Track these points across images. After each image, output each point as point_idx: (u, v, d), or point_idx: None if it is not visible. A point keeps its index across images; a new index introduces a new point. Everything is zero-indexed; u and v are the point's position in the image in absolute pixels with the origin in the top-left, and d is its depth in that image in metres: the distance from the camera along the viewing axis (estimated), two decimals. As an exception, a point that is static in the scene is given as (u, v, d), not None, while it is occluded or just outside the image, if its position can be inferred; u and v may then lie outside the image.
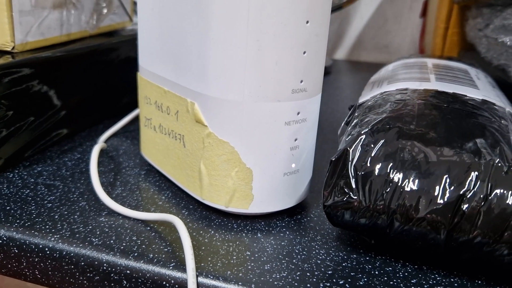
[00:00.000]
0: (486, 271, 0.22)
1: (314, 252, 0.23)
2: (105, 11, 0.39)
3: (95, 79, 0.37)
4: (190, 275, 0.20)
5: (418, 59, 0.36)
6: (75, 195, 0.27)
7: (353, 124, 0.24)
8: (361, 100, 0.28)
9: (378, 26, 0.74)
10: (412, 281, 0.21)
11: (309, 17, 0.22)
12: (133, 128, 0.38)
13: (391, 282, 0.21)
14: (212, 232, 0.24)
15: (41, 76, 0.31)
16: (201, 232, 0.24)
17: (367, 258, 0.22)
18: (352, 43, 0.77)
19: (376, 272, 0.21)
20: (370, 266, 0.22)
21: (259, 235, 0.24)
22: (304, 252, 0.23)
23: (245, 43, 0.21)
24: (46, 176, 0.29)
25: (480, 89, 0.28)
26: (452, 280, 0.21)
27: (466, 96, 0.26)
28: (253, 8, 0.21)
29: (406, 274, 0.21)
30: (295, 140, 0.24)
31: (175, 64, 0.25)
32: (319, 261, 0.22)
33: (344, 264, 0.22)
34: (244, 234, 0.24)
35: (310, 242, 0.23)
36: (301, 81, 0.23)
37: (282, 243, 0.23)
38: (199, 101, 0.24)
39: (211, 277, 0.21)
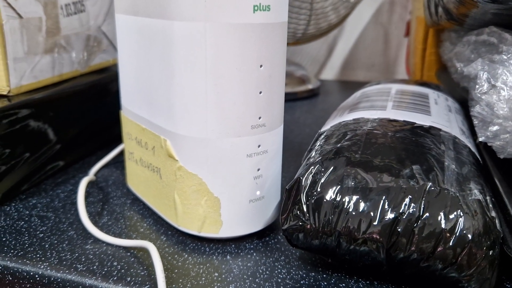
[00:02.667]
0: (430, 285, 0.24)
1: (276, 272, 0.25)
2: (94, 50, 0.42)
3: (87, 113, 0.40)
4: (161, 296, 0.23)
5: (385, 85, 0.39)
6: (65, 225, 0.29)
7: (312, 152, 0.27)
8: (323, 129, 0.31)
9: (365, 46, 0.77)
10: (361, 295, 0.23)
11: (262, 61, 0.25)
12: (122, 159, 0.40)
13: (342, 297, 0.23)
14: (186, 255, 0.26)
15: (35, 115, 0.34)
16: (175, 256, 0.26)
17: (324, 275, 0.25)
18: (340, 64, 0.79)
19: (330, 288, 0.24)
20: (325, 283, 0.24)
21: (228, 257, 0.26)
22: (267, 272, 0.25)
23: (204, 87, 0.24)
24: (40, 208, 0.32)
25: (432, 115, 0.30)
26: (398, 293, 0.23)
27: (415, 123, 0.28)
28: (210, 56, 0.24)
29: (357, 289, 0.24)
30: (258, 170, 0.27)
31: (149, 105, 0.28)
32: (279, 280, 0.24)
33: (302, 282, 0.24)
34: (214, 257, 0.26)
35: (274, 263, 0.26)
36: (260, 118, 0.26)
37: (248, 264, 0.26)
38: (170, 138, 0.26)
39: (180, 297, 0.23)
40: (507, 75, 0.21)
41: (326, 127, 0.30)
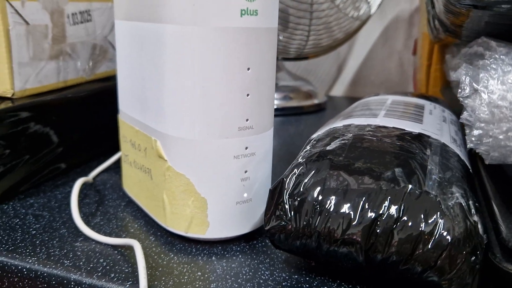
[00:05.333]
0: (413, 290, 0.24)
1: (259, 273, 0.25)
2: (100, 58, 0.43)
3: (91, 119, 0.41)
4: (142, 292, 0.23)
5: (383, 96, 0.39)
6: (58, 224, 0.30)
7: (299, 156, 0.27)
8: (315, 135, 0.31)
9: (374, 64, 0.77)
10: (342, 298, 0.23)
11: (249, 65, 0.25)
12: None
13: (322, 299, 0.23)
14: (172, 255, 0.27)
15: (37, 118, 0.35)
16: (161, 255, 0.27)
17: (307, 278, 0.25)
18: (349, 80, 0.80)
19: (311, 290, 0.24)
20: (307, 285, 0.24)
21: (213, 258, 0.27)
22: (250, 273, 0.25)
23: (192, 89, 0.25)
24: (36, 207, 0.32)
25: (423, 123, 0.30)
26: (380, 297, 0.23)
27: (404, 130, 0.28)
28: (197, 59, 0.24)
29: (338, 292, 0.24)
30: (245, 172, 0.27)
31: (142, 107, 0.28)
32: (261, 281, 0.24)
33: (283, 284, 0.24)
34: (200, 257, 0.27)
35: (258, 264, 0.26)
36: (247, 120, 0.26)
37: (232, 265, 0.26)
38: (160, 138, 0.27)
39: (161, 293, 0.23)
40: (488, 79, 0.21)
41: (318, 132, 0.31)
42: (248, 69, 0.25)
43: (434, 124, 0.31)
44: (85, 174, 0.39)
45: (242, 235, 0.28)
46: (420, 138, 0.27)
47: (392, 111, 0.33)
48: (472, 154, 0.31)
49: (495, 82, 0.21)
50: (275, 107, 0.63)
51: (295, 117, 0.62)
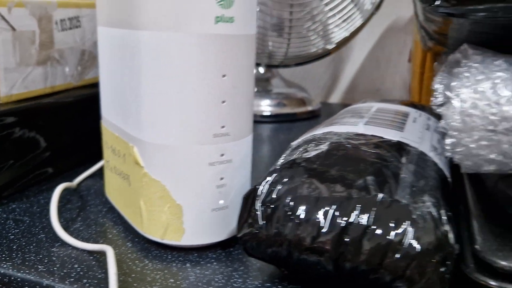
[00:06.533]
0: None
1: (231, 281, 0.25)
2: (89, 64, 0.43)
3: (78, 125, 0.41)
4: (112, 298, 0.23)
5: (369, 104, 0.39)
6: (37, 229, 0.30)
7: (276, 163, 0.27)
8: (294, 142, 0.31)
9: (370, 71, 0.77)
10: (313, 307, 0.23)
11: (225, 71, 0.25)
12: (110, 169, 0.41)
13: (293, 308, 0.23)
14: (147, 262, 0.27)
15: (22, 123, 0.35)
16: (136, 261, 0.27)
17: (279, 287, 0.25)
18: (345, 87, 0.80)
19: (283, 299, 0.24)
20: (279, 294, 0.24)
21: (188, 265, 0.26)
22: (223, 280, 0.25)
23: (167, 95, 0.25)
24: (17, 212, 0.32)
25: (404, 131, 0.30)
26: (351, 307, 0.23)
27: (382, 138, 0.28)
28: (173, 65, 0.24)
29: (310, 301, 0.23)
30: (221, 179, 0.27)
31: (121, 113, 0.28)
32: (233, 288, 0.24)
33: (255, 291, 0.24)
34: (174, 264, 0.26)
35: (231, 272, 0.26)
36: (223, 127, 0.26)
37: (206, 272, 0.26)
38: (137, 144, 0.27)
39: (131, 300, 0.23)
40: (461, 87, 0.21)
41: (298, 140, 0.31)
42: (224, 76, 0.25)
43: (415, 132, 0.31)
44: (72, 179, 0.39)
45: (219, 242, 0.28)
46: (398, 146, 0.27)
47: (375, 118, 0.32)
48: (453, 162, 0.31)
49: (468, 91, 0.21)
50: (268, 113, 0.63)
51: (288, 124, 0.62)
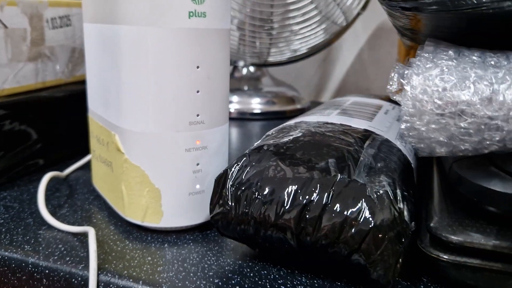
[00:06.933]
0: (345, 273, 0.25)
1: (205, 258, 0.27)
2: (79, 61, 0.45)
3: (69, 118, 0.43)
4: (92, 273, 0.24)
5: (346, 97, 0.41)
6: (26, 214, 0.32)
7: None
8: (270, 131, 0.32)
9: (360, 70, 0.79)
10: (279, 281, 0.25)
11: (198, 63, 0.27)
12: (99, 162, 0.43)
13: (260, 282, 0.24)
14: (128, 242, 0.28)
15: (12, 116, 0.37)
16: (117, 242, 0.28)
17: (250, 264, 0.26)
18: (335, 87, 0.81)
19: (251, 274, 0.25)
20: (248, 269, 0.26)
21: (166, 245, 0.28)
22: (197, 258, 0.27)
23: (146, 85, 0.27)
24: (8, 200, 0.34)
25: (373, 121, 0.32)
26: (315, 281, 0.25)
27: (350, 126, 0.30)
28: (150, 57, 0.26)
29: (277, 276, 0.25)
30: (197, 164, 0.29)
31: (105, 103, 0.30)
32: (206, 265, 0.26)
33: (226, 268, 0.26)
34: (153, 245, 0.28)
35: (206, 251, 0.28)
36: (198, 115, 0.28)
37: (182, 252, 0.27)
38: (118, 132, 0.29)
39: (110, 275, 0.25)
40: (412, 75, 0.23)
41: (272, 130, 0.32)
42: (198, 67, 0.27)
43: (384, 122, 0.32)
44: (62, 171, 0.41)
45: (197, 225, 0.30)
46: (362, 134, 0.29)
47: (347, 110, 0.34)
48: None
49: (418, 78, 0.23)
50: (258, 111, 0.65)
51: (278, 122, 0.63)
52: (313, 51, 0.67)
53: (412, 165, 0.29)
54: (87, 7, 0.32)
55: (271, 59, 0.65)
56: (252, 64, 0.68)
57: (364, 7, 0.64)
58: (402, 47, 0.59)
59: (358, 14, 0.64)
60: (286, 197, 0.24)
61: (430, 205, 0.27)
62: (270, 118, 0.65)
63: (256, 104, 0.66)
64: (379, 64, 0.78)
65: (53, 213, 0.32)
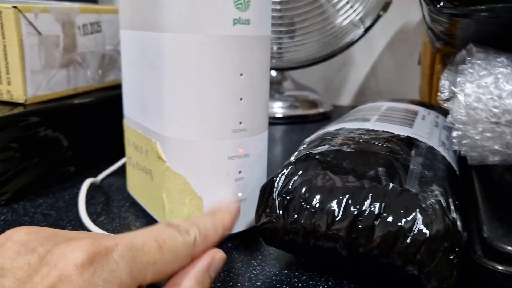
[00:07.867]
0: (395, 283, 0.25)
1: (251, 268, 0.26)
2: (109, 67, 0.45)
3: (100, 125, 0.43)
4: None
5: (379, 103, 0.40)
6: (64, 222, 0.32)
7: (291, 157, 0.29)
8: (308, 138, 0.32)
9: (380, 73, 0.79)
10: (328, 291, 0.24)
11: (242, 70, 0.27)
12: (130, 168, 0.43)
13: (309, 292, 0.24)
14: (169, 251, 0.28)
15: (46, 123, 0.37)
16: (159, 251, 0.28)
17: (296, 273, 0.26)
18: (355, 90, 0.81)
19: (299, 285, 0.25)
20: (295, 280, 0.25)
21: (208, 254, 0.28)
22: (243, 268, 0.26)
23: (188, 93, 0.26)
24: (44, 207, 0.34)
25: (413, 127, 0.31)
26: (364, 291, 0.24)
27: (393, 133, 0.29)
28: (193, 65, 0.26)
29: (325, 286, 0.25)
30: (239, 172, 0.28)
31: (144, 111, 0.30)
32: (252, 275, 0.26)
33: (273, 278, 0.25)
34: (195, 253, 0.28)
35: (250, 260, 0.27)
36: (240, 123, 0.28)
37: (226, 261, 0.27)
38: (159, 140, 0.29)
39: (156, 285, 0.25)
40: (465, 83, 0.23)
41: (311, 136, 0.32)
42: (241, 74, 0.27)
43: (424, 128, 0.32)
44: (93, 177, 0.41)
45: (237, 233, 0.30)
46: (407, 141, 0.28)
47: (385, 116, 0.34)
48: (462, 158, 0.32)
49: (472, 85, 0.22)
50: (280, 115, 0.64)
51: (300, 126, 0.63)
52: (333, 54, 0.66)
53: (457, 173, 0.28)
54: (125, 14, 0.32)
55: (291, 61, 0.65)
56: (273, 68, 0.67)
57: (385, 9, 0.63)
58: (427, 50, 0.58)
59: (379, 16, 0.63)
60: (336, 206, 0.23)
61: (477, 214, 0.26)
62: (293, 122, 0.65)
63: (278, 108, 0.65)
64: (399, 67, 0.77)
65: (92, 221, 0.32)
